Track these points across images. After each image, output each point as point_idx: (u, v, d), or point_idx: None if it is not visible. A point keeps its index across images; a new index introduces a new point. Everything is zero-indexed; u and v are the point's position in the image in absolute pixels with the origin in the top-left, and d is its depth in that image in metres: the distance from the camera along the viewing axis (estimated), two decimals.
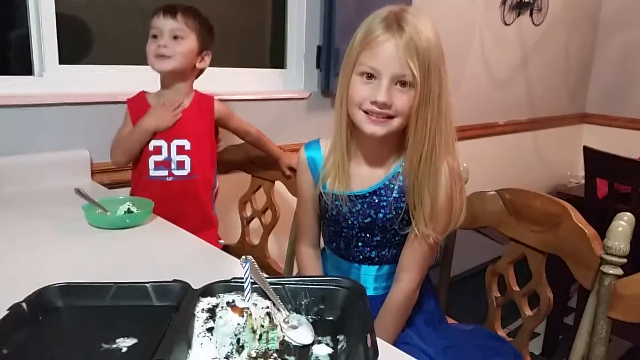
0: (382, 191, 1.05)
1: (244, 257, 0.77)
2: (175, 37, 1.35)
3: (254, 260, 0.80)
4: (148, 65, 1.40)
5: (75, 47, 1.60)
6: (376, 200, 1.05)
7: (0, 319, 0.69)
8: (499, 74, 3.03)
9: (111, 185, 1.54)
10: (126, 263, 1.00)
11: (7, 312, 0.71)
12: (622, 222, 0.90)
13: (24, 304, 0.73)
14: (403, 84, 0.93)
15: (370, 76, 0.94)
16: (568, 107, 3.70)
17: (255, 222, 1.70)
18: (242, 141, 1.62)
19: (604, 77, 3.75)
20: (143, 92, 1.46)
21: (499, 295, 1.22)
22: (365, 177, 1.06)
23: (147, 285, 0.80)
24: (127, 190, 1.54)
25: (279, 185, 1.64)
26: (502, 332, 1.21)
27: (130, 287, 0.80)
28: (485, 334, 1.17)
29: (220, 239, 1.59)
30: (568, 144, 3.80)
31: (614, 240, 0.90)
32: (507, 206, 1.18)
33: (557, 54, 3.45)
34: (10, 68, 1.52)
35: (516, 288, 1.18)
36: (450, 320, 1.27)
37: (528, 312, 1.15)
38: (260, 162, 1.66)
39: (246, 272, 0.77)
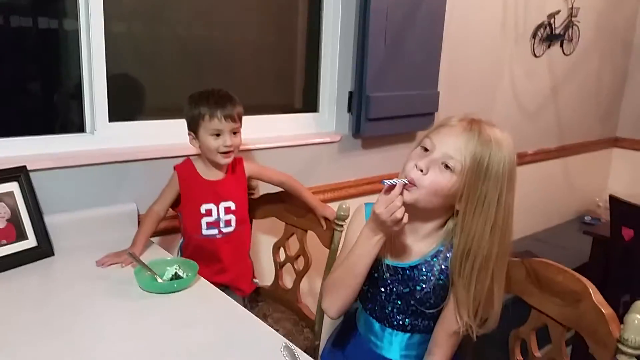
0: (422, 267, 1.10)
1: (283, 344, 0.86)
2: (234, 133, 1.49)
3: (293, 347, 0.89)
4: None
5: (123, 104, 1.71)
6: (416, 274, 1.11)
7: None
8: (529, 105, 3.05)
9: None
10: (173, 331, 1.08)
11: None
12: (638, 315, 0.94)
13: None
14: (447, 166, 0.99)
15: (426, 149, 1.02)
16: (599, 132, 3.70)
17: (289, 266, 1.78)
18: (278, 189, 1.71)
19: (636, 100, 3.73)
20: (189, 159, 1.57)
21: (521, 359, 1.27)
22: (408, 249, 1.12)
23: None
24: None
25: (311, 234, 1.72)
26: None
27: None
28: None
29: (255, 278, 1.71)
30: (597, 169, 3.79)
31: (630, 333, 0.95)
32: (530, 276, 1.23)
33: (587, 80, 3.44)
34: (64, 126, 1.65)
35: (537, 354, 1.23)
36: None
37: None
38: (293, 210, 1.74)
39: None
